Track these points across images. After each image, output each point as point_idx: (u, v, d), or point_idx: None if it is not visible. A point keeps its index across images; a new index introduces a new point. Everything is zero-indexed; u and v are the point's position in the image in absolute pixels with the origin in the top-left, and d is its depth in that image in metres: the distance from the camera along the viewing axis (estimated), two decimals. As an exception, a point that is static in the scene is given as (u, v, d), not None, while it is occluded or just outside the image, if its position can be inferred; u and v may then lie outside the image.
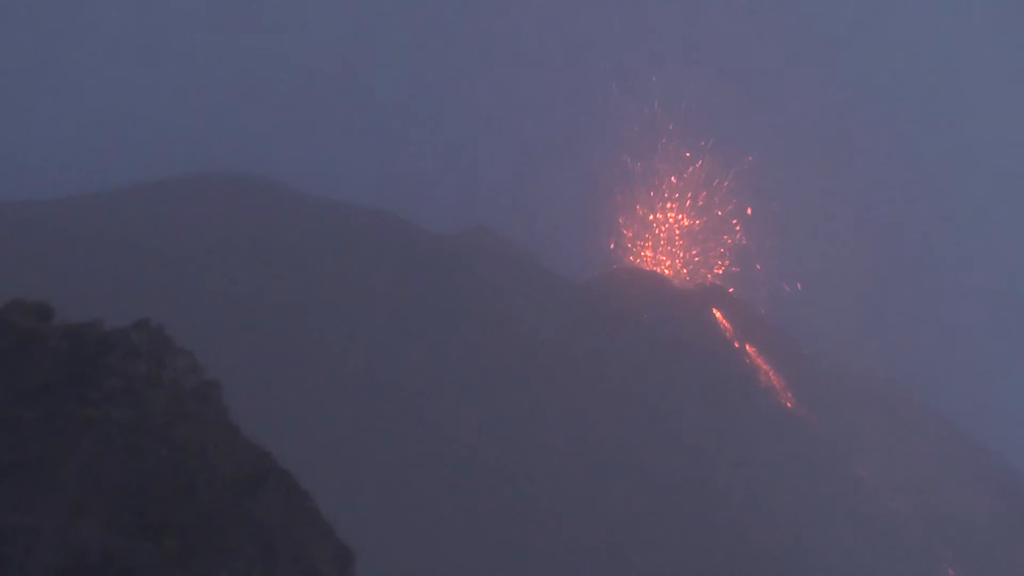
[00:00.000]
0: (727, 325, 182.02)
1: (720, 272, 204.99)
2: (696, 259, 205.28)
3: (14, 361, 33.53)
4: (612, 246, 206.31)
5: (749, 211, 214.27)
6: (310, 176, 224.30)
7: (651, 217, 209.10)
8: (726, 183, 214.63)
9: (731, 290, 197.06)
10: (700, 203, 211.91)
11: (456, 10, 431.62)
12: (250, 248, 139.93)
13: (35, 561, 29.34)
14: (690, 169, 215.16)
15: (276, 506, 34.04)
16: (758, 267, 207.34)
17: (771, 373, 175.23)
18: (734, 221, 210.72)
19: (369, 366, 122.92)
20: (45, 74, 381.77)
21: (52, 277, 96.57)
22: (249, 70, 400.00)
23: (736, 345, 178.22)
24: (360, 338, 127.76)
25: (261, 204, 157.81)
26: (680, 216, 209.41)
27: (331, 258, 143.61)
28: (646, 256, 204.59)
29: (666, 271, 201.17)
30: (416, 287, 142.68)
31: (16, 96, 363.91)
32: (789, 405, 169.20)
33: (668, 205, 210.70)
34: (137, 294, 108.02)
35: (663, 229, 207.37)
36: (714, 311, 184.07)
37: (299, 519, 34.48)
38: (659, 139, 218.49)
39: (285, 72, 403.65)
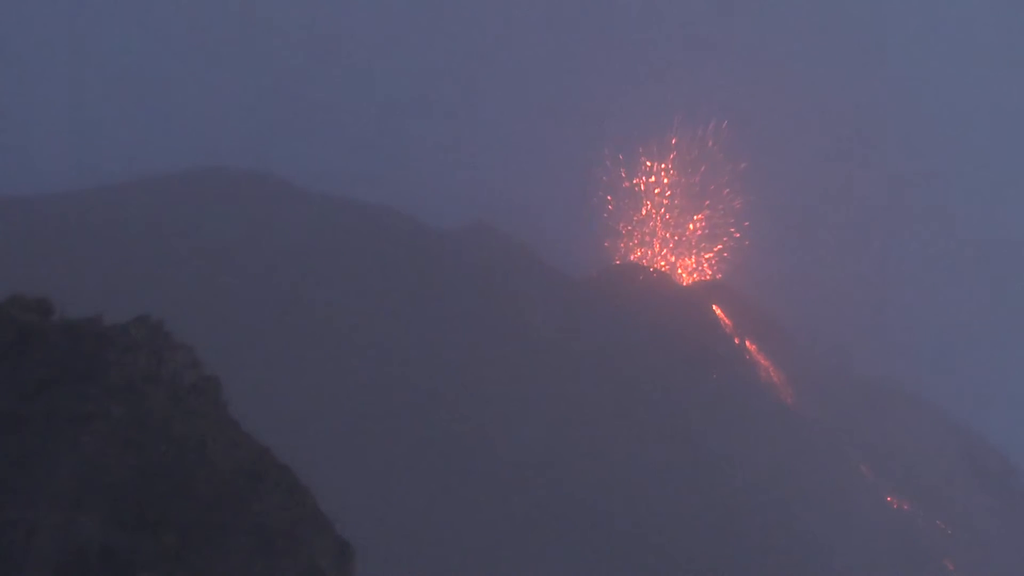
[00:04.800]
0: (727, 321, 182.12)
1: (720, 268, 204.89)
2: (697, 255, 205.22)
3: (14, 356, 33.53)
4: (613, 243, 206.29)
5: (749, 207, 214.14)
6: (311, 171, 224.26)
7: (652, 213, 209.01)
8: (727, 179, 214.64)
9: (736, 291, 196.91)
10: (702, 200, 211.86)
11: (459, 4, 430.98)
12: (250, 243, 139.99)
13: (34, 556, 29.36)
14: (691, 166, 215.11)
15: (276, 501, 34.06)
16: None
17: (771, 369, 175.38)
18: (732, 219, 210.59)
19: (369, 361, 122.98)
20: (43, 70, 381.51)
21: (52, 272, 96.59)
22: (250, 65, 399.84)
23: (736, 341, 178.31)
24: (360, 333, 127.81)
25: (262, 199, 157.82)
26: (680, 211, 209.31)
27: (332, 253, 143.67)
28: (647, 252, 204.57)
29: (667, 267, 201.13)
30: (417, 282, 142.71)
31: (15, 91, 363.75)
32: (789, 401, 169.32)
33: (669, 201, 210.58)
34: (137, 289, 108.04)
35: (664, 225, 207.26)
36: (714, 307, 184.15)
37: (299, 514, 34.50)
38: (662, 136, 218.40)
39: (286, 67, 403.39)
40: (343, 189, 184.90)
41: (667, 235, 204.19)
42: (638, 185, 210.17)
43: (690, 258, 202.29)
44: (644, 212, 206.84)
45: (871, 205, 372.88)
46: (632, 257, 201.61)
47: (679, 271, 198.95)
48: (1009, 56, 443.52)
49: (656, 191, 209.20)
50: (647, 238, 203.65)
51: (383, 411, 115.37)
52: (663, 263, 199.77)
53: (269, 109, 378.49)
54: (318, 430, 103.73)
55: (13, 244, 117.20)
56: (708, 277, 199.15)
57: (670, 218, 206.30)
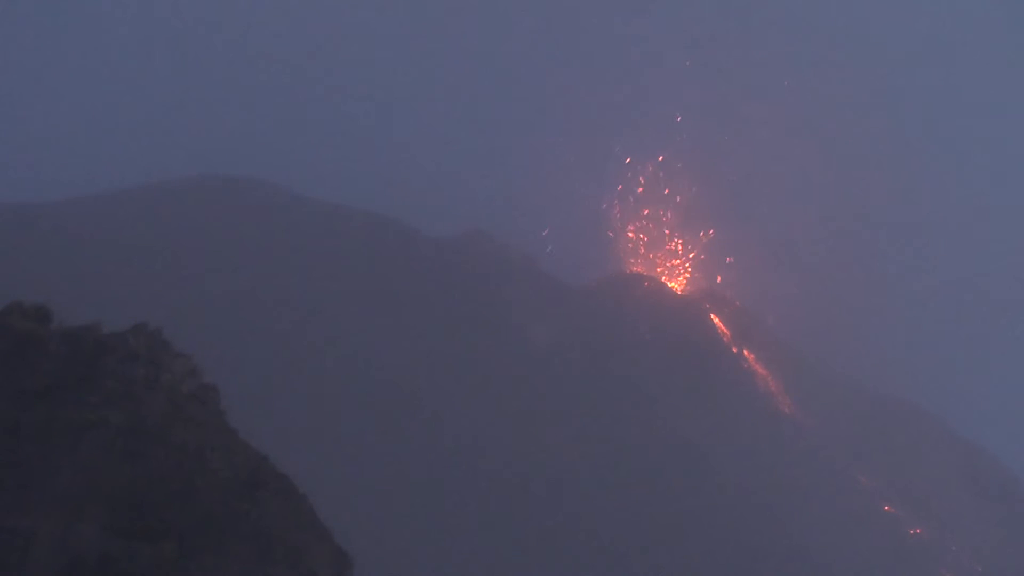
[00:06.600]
0: (725, 330, 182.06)
1: (717, 278, 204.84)
2: (695, 264, 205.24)
3: (13, 363, 33.56)
4: (611, 251, 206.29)
5: (748, 216, 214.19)
6: (308, 179, 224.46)
7: (650, 222, 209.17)
8: (726, 188, 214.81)
9: (734, 300, 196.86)
10: (699, 209, 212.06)
11: (456, 13, 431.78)
12: (249, 251, 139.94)
13: (33, 563, 29.37)
14: (691, 179, 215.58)
15: (274, 509, 34.09)
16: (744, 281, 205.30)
17: (769, 378, 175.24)
18: (726, 221, 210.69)
19: (367, 369, 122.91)
20: (44, 77, 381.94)
21: (51, 280, 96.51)
22: (248, 73, 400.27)
23: (734, 350, 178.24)
24: (358, 341, 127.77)
25: (260, 207, 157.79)
26: (676, 219, 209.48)
27: (329, 261, 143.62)
28: (645, 261, 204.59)
29: (665, 276, 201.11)
30: (414, 290, 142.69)
31: (15, 98, 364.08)
32: (787, 410, 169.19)
33: (667, 210, 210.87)
34: (135, 297, 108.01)
35: (662, 234, 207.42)
36: (712, 316, 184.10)
37: (297, 522, 34.54)
38: (660, 143, 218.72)
39: (284, 75, 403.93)
40: (341, 196, 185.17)
41: (665, 243, 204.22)
42: (639, 193, 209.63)
43: (687, 264, 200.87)
44: (643, 219, 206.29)
45: (871, 214, 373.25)
46: (630, 265, 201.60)
47: (677, 279, 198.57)
48: (1007, 56, 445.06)
49: (656, 199, 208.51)
50: (646, 246, 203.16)
51: (381, 419, 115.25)
52: (661, 272, 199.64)
53: (267, 116, 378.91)
54: (316, 438, 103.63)
55: (12, 251, 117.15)
56: (706, 286, 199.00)
57: (670, 232, 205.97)
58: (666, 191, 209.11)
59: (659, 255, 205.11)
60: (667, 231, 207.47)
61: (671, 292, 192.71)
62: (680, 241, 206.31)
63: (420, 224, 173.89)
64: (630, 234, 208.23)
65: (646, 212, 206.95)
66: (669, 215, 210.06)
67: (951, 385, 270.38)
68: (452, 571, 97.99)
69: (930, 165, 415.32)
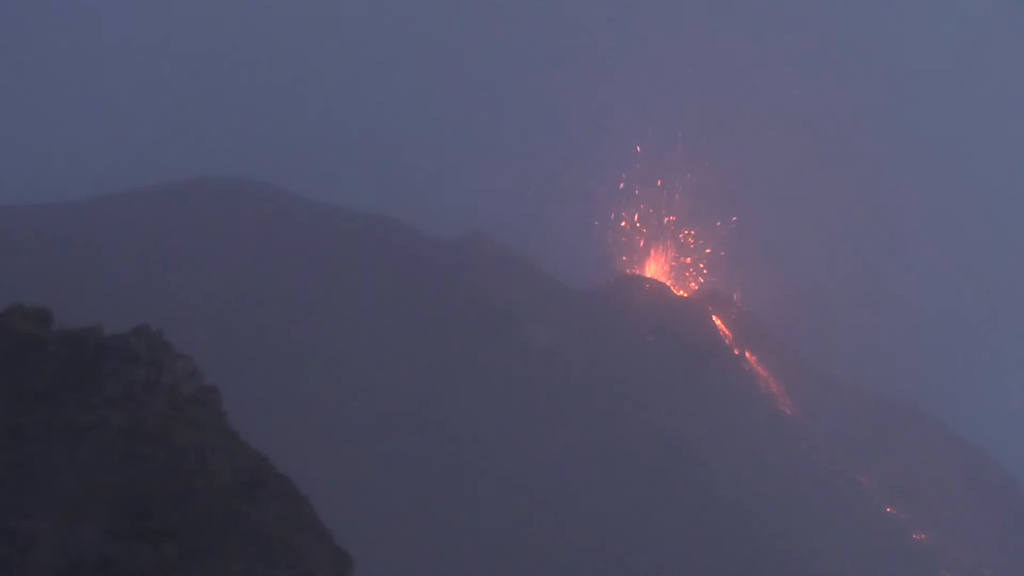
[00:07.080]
0: (727, 332, 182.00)
1: (718, 280, 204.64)
2: (697, 266, 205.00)
3: (14, 366, 33.61)
4: (613, 253, 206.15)
5: (740, 218, 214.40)
6: (310, 181, 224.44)
7: (653, 224, 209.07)
8: (724, 191, 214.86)
9: (735, 297, 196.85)
10: (700, 211, 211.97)
11: (456, 15, 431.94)
12: (250, 253, 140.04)
13: (34, 564, 29.44)
14: (689, 176, 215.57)
15: (274, 510, 34.12)
16: (733, 289, 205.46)
17: (770, 379, 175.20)
18: (727, 223, 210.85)
19: (367, 371, 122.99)
20: (45, 81, 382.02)
21: (52, 282, 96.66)
22: (250, 76, 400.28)
23: (736, 352, 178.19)
24: (359, 343, 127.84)
25: (261, 209, 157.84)
26: (678, 222, 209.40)
27: (329, 262, 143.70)
28: (647, 263, 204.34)
29: (667, 279, 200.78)
30: (414, 292, 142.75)
31: (17, 101, 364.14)
32: (789, 412, 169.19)
33: (670, 213, 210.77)
34: (136, 299, 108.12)
35: (665, 237, 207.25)
36: (714, 318, 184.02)
37: (297, 523, 34.56)
38: (662, 145, 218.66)
39: (284, 77, 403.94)
40: (342, 198, 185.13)
41: (668, 246, 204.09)
42: (641, 196, 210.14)
43: (689, 267, 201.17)
44: (646, 221, 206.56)
45: (871, 215, 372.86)
46: (633, 269, 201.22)
47: (679, 281, 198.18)
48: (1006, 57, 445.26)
49: (658, 201, 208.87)
50: (648, 248, 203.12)
51: (381, 421, 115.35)
52: (663, 274, 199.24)
53: (267, 118, 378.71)
54: (317, 440, 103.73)
55: (13, 253, 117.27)
56: (708, 288, 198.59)
57: (671, 229, 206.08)
58: (666, 219, 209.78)
59: (663, 257, 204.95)
60: (671, 227, 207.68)
61: (673, 294, 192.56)
62: (683, 243, 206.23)
63: (420, 225, 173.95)
64: (623, 224, 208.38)
65: (643, 239, 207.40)
66: (672, 217, 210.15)
67: (951, 386, 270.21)
68: (452, 571, 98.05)
69: (931, 166, 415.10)
